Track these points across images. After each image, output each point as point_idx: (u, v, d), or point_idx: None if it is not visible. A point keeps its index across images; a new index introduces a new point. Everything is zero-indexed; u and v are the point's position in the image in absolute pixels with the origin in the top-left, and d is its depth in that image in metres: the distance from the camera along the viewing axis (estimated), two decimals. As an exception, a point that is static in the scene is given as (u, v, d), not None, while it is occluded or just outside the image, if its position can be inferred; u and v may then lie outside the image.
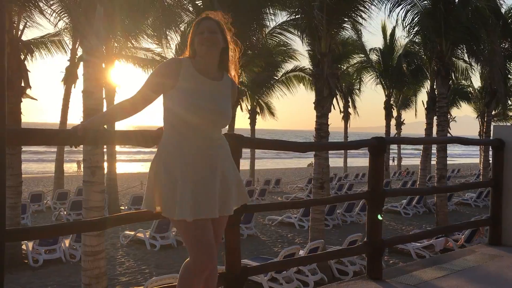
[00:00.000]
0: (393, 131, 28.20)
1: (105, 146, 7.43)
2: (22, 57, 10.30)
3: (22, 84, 9.97)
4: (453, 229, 7.46)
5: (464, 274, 4.13)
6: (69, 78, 18.79)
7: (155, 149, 2.63)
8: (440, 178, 12.52)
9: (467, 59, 17.39)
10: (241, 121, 25.89)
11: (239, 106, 19.63)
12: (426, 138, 9.91)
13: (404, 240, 4.64)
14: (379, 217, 3.33)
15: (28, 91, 10.11)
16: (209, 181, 2.45)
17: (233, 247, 2.97)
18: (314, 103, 9.62)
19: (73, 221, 2.51)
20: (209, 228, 2.46)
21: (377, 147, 3.89)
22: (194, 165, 2.43)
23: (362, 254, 3.81)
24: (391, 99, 25.34)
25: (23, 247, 10.32)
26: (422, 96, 36.35)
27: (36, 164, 43.46)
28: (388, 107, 24.42)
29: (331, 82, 9.27)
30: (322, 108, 9.37)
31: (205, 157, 2.46)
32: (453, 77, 17.27)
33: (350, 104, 29.50)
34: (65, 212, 15.39)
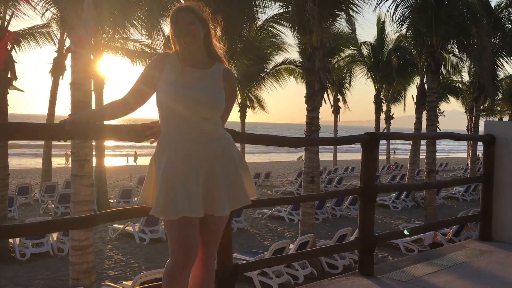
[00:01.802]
0: (382, 125, 28.31)
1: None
2: (9, 47, 10.10)
3: (9, 75, 9.79)
4: (444, 225, 7.48)
5: (455, 270, 4.13)
6: (57, 69, 18.53)
7: (146, 143, 2.58)
8: (430, 172, 12.58)
9: (457, 53, 17.47)
10: (231, 114, 25.80)
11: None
12: (418, 134, 9.92)
13: (396, 236, 4.63)
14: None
15: (14, 83, 9.94)
16: (189, 177, 2.34)
17: (225, 243, 2.91)
18: (305, 97, 9.58)
19: (62, 218, 2.46)
20: (190, 227, 2.35)
21: (370, 142, 3.85)
22: (176, 160, 2.35)
23: (354, 250, 3.78)
24: (381, 93, 25.39)
25: (10, 240, 10.17)
26: (412, 91, 36.51)
27: (23, 159, 42.90)
28: (378, 101, 24.47)
29: (323, 76, 9.23)
30: (313, 102, 9.34)
31: (192, 150, 2.37)
32: (443, 72, 17.29)
33: (340, 98, 29.53)
34: (53, 205, 15.24)
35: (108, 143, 31.34)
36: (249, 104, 24.12)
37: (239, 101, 23.57)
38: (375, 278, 3.81)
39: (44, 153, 19.86)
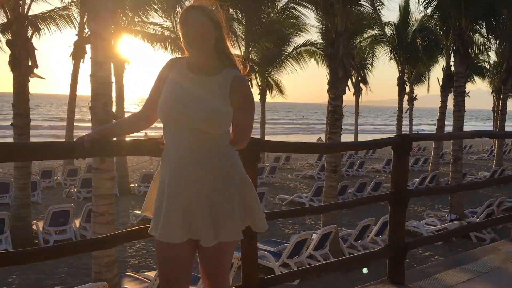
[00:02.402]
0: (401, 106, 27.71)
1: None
2: (29, 34, 10.04)
3: (30, 63, 9.75)
4: (479, 227, 7.20)
5: (490, 277, 3.94)
6: (77, 53, 18.51)
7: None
8: (456, 160, 12.24)
9: (485, 34, 16.85)
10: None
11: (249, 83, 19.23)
12: (452, 133, 9.56)
13: (428, 241, 4.45)
14: (364, 270, 3.04)
15: (35, 70, 9.89)
16: (172, 198, 2.13)
17: (250, 258, 2.78)
18: (328, 84, 9.32)
19: (79, 241, 2.35)
20: (175, 255, 2.16)
21: (402, 145, 3.65)
22: (165, 176, 2.18)
23: (384, 258, 3.62)
24: (404, 74, 24.80)
25: (34, 227, 10.29)
26: (436, 71, 35.75)
27: (45, 139, 43.44)
28: (401, 83, 23.90)
29: (346, 62, 8.94)
30: (336, 90, 9.07)
31: (180, 168, 2.13)
32: (471, 54, 16.73)
33: (361, 79, 28.96)
34: (75, 189, 15.39)
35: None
36: (268, 88, 23.80)
37: (259, 84, 23.27)
38: (406, 287, 3.65)
39: (67, 136, 20.05)
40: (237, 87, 2.20)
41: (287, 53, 22.20)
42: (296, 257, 8.50)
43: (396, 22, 23.83)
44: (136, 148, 2.43)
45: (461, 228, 5.88)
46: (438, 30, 18.69)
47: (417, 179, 17.55)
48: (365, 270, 2.55)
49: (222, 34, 2.24)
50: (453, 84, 12.92)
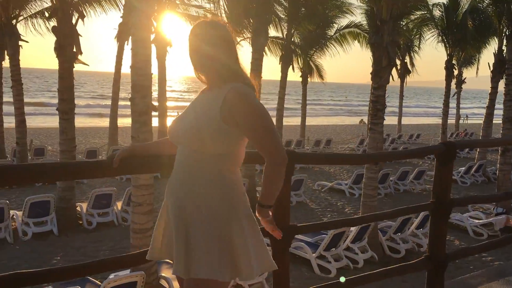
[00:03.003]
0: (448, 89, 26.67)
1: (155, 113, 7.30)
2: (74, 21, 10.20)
3: (74, 50, 9.94)
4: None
5: (536, 292, 3.75)
6: (122, 35, 18.77)
7: None
8: (505, 151, 11.72)
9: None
10: (293, 75, 25.17)
11: (290, 67, 18.97)
12: (504, 139, 9.07)
13: (470, 252, 4.26)
14: (342, 279, 2.85)
15: (79, 57, 10.08)
16: (161, 216, 2.19)
17: (281, 275, 2.73)
18: (371, 73, 9.04)
19: (108, 258, 2.35)
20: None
21: (446, 153, 3.47)
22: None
23: (423, 270, 3.49)
24: (453, 58, 23.79)
25: (78, 209, 10.63)
26: (487, 53, 34.13)
27: (90, 118, 44.63)
28: (449, 67, 22.95)
29: (391, 51, 8.62)
30: (379, 79, 8.78)
31: (170, 186, 2.11)
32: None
33: (407, 61, 28.06)
34: (118, 171, 15.75)
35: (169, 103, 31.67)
36: (309, 72, 23.44)
37: (301, 67, 22.93)
38: (445, 300, 3.52)
39: (111, 117, 20.53)
40: (231, 99, 1.98)
41: (329, 36, 21.71)
42: (333, 249, 8.41)
43: (445, 3, 22.80)
44: (159, 166, 2.38)
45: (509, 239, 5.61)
46: (490, 12, 17.77)
47: (463, 168, 16.98)
48: (342, 279, 2.38)
49: (231, 53, 2.11)
50: (505, 71, 12.30)
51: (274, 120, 21.52)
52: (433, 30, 23.18)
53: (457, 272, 6.99)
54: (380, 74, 8.84)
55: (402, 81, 28.89)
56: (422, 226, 9.67)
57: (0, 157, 16.47)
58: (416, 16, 22.66)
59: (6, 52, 15.06)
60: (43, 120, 37.22)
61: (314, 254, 8.23)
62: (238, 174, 2.11)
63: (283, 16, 17.26)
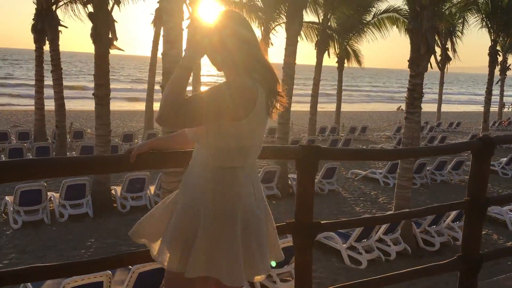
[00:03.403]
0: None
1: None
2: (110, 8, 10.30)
3: (110, 36, 10.04)
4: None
5: None
6: (159, 20, 18.87)
7: None
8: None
9: None
10: (329, 61, 24.73)
11: (326, 52, 18.65)
12: None
13: (506, 253, 4.05)
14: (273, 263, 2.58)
15: (115, 42, 10.18)
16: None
17: (304, 274, 2.66)
18: (408, 61, 8.74)
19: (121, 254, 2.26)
20: None
21: (483, 150, 3.29)
22: None
23: (455, 271, 3.35)
24: (497, 44, 22.84)
25: (112, 192, 10.84)
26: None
27: (127, 102, 45.31)
28: (493, 53, 22.06)
29: (430, 38, 8.29)
30: (417, 67, 8.48)
31: None
32: None
33: (448, 47, 27.10)
34: (153, 155, 15.96)
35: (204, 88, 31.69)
36: (346, 57, 22.97)
37: (337, 52, 22.52)
38: (478, 302, 3.38)
39: (147, 101, 20.80)
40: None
41: (367, 21, 21.18)
42: (365, 240, 8.27)
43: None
44: (178, 160, 2.33)
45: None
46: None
47: (504, 159, 16.36)
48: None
49: (232, 44, 2.04)
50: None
51: (308, 106, 21.36)
52: (476, 15, 22.30)
53: (492, 268, 6.75)
54: (417, 62, 8.53)
55: (443, 68, 27.97)
56: (459, 219, 9.38)
57: (41, 139, 16.98)
58: (459, 0, 21.83)
59: (46, 37, 15.40)
60: (84, 104, 38.18)
61: (344, 245, 8.11)
62: (232, 171, 2.03)
63: (320, 0, 16.93)
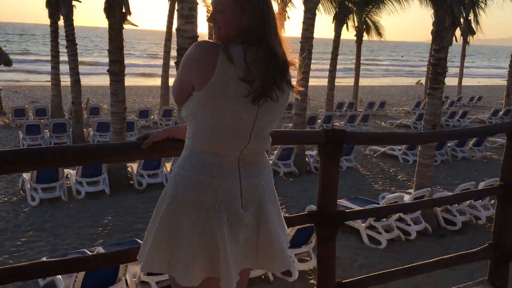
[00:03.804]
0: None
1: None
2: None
3: (123, 10, 9.82)
4: None
5: None
6: (173, -4, 18.56)
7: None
8: None
9: None
10: (347, 34, 24.10)
11: (344, 25, 18.14)
12: None
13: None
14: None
15: (129, 17, 9.97)
16: None
17: (327, 264, 2.50)
18: (431, 33, 8.38)
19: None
20: None
21: (519, 131, 3.05)
22: None
23: (486, 259, 3.16)
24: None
25: (129, 169, 10.80)
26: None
27: (142, 78, 45.23)
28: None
29: (456, 9, 7.91)
30: (441, 40, 8.12)
31: None
32: None
33: (471, 18, 26.19)
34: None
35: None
36: (365, 30, 22.36)
37: (356, 25, 21.94)
38: (509, 292, 3.20)
39: (162, 77, 20.66)
40: None
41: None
42: (384, 219, 8.10)
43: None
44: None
45: None
46: None
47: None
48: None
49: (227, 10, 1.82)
50: None
51: (325, 81, 20.97)
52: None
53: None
54: (442, 35, 8.16)
55: (465, 41, 27.12)
56: (481, 198, 9.13)
57: (58, 115, 17.01)
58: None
59: (60, 12, 15.23)
60: (100, 79, 38.17)
61: (363, 224, 7.95)
62: (202, 156, 1.79)
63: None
